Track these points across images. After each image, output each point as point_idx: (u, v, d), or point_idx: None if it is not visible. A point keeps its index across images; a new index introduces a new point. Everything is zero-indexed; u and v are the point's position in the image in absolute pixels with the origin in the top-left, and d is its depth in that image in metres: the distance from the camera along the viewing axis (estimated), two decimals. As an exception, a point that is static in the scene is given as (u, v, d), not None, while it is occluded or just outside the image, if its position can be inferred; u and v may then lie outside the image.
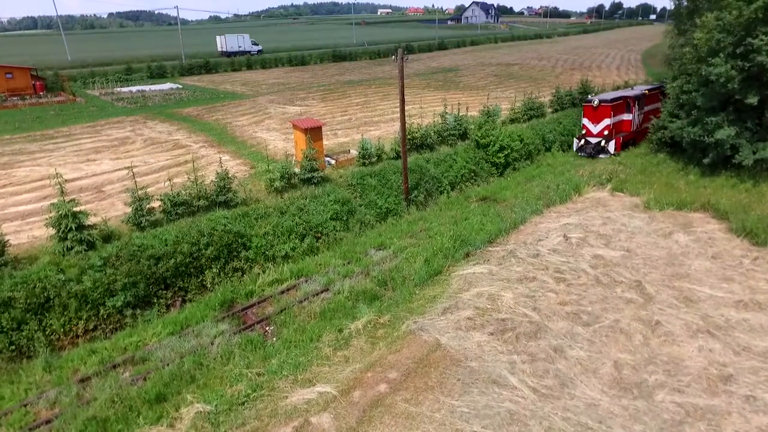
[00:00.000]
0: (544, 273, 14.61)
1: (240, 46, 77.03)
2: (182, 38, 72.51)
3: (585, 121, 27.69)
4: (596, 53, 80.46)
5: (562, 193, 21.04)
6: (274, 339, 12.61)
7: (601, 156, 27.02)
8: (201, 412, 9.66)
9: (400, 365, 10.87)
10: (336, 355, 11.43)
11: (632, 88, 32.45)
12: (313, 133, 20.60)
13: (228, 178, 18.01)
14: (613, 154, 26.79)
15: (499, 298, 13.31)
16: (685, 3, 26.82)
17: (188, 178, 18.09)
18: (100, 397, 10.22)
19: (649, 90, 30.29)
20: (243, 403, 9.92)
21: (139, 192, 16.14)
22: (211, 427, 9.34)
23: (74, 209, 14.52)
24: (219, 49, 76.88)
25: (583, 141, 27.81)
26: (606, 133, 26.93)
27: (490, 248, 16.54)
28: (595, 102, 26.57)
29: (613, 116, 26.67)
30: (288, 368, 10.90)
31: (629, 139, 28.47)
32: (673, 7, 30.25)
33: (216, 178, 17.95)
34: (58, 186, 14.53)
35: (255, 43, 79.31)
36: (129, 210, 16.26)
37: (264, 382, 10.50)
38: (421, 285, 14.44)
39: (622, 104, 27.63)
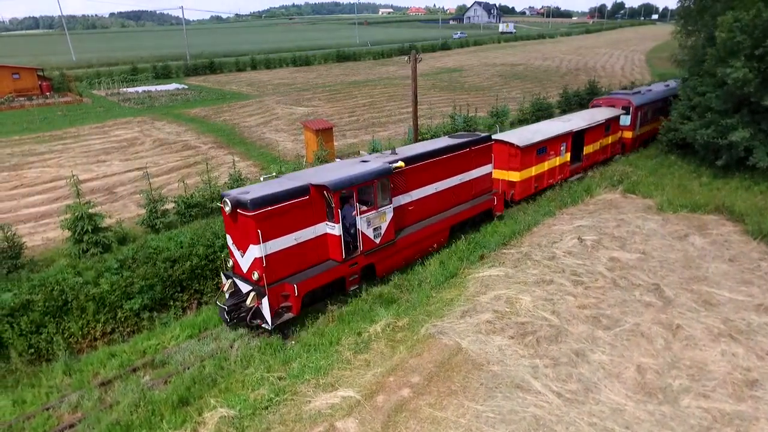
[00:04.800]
0: (561, 276, 14.54)
1: (509, 30, 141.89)
2: (186, 38, 72.60)
3: (229, 240, 12.82)
4: (600, 53, 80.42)
5: (574, 195, 20.98)
6: (293, 342, 12.56)
7: (256, 322, 12.25)
8: (225, 416, 9.60)
9: (422, 369, 10.82)
10: (357, 359, 11.36)
11: (383, 153, 15.78)
12: (324, 134, 20.60)
13: (241, 179, 17.98)
14: (272, 329, 12.15)
15: (517, 301, 13.24)
16: (693, 3, 26.00)
17: (200, 179, 18.09)
18: (122, 401, 10.19)
19: (422, 156, 14.97)
20: (267, 408, 9.85)
21: (153, 193, 16.12)
22: (236, 432, 9.30)
23: (90, 211, 14.50)
24: (500, 31, 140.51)
25: (229, 283, 12.73)
26: (256, 274, 11.88)
27: (504, 250, 16.47)
28: (228, 205, 11.85)
29: (265, 240, 11.60)
30: (309, 372, 10.83)
31: (333, 281, 13.26)
32: (677, 7, 28.88)
33: (229, 179, 17.93)
34: (74, 187, 14.51)
35: (513, 27, 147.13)
36: (142, 211, 16.25)
37: (286, 386, 10.44)
38: (437, 288, 14.37)
39: (299, 205, 12.24)
